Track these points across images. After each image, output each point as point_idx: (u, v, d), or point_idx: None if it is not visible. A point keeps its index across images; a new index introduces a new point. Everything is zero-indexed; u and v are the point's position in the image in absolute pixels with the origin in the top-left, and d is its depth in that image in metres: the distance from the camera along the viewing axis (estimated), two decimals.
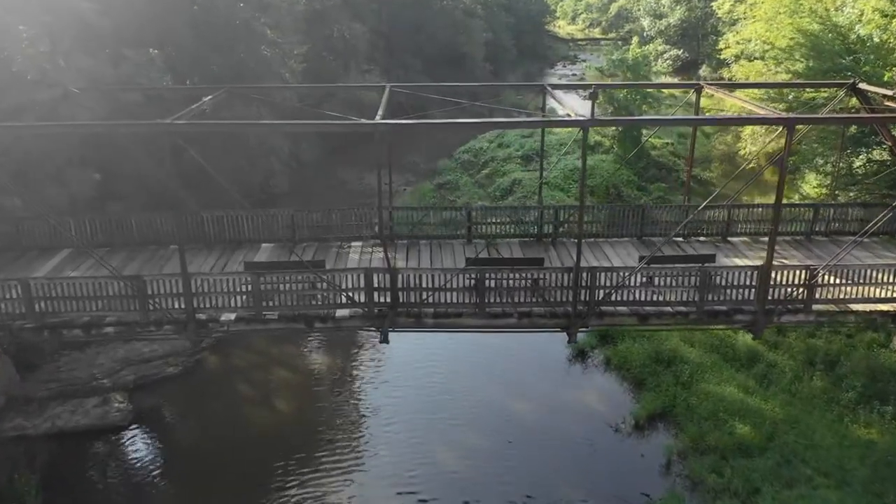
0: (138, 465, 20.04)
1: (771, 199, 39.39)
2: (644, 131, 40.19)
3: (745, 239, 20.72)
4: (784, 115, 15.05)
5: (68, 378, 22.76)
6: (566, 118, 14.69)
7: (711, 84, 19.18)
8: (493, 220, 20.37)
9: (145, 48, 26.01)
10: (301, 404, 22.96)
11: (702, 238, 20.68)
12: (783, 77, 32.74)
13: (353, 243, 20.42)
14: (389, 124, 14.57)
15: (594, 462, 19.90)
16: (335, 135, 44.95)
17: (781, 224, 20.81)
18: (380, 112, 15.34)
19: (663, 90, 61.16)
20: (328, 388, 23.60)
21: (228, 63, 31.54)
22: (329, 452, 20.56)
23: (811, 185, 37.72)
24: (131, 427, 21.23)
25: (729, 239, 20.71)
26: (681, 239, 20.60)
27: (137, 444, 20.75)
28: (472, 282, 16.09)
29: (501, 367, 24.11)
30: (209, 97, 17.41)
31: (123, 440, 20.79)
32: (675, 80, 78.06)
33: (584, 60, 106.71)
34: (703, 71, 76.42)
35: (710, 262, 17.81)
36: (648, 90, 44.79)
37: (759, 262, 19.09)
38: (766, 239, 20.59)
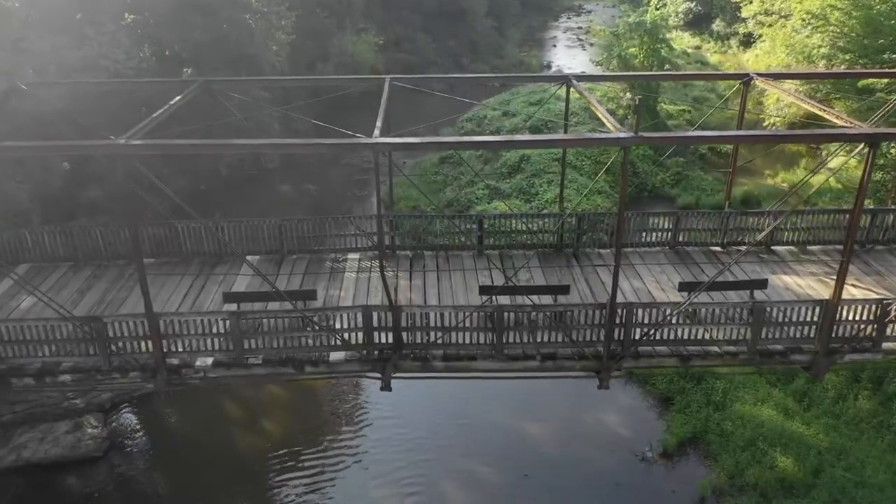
0: (114, 502, 18.10)
1: (797, 176, 37.20)
2: (663, 103, 37.36)
3: (792, 248, 18.32)
4: (866, 128, 12.49)
5: (37, 397, 20.61)
6: (602, 134, 12.17)
7: (762, 75, 16.55)
8: (507, 229, 17.91)
9: (114, 22, 23.04)
10: (295, 423, 20.96)
11: (742, 248, 18.26)
12: (821, 49, 29.72)
13: (350, 255, 18.04)
14: (389, 143, 12.06)
15: (619, 498, 17.96)
16: (331, 101, 42.14)
17: (829, 231, 18.46)
18: (378, 123, 12.78)
19: (677, 45, 57.89)
20: (326, 407, 21.60)
21: (212, 35, 28.58)
22: (325, 480, 18.72)
23: (839, 162, 35.15)
24: (106, 456, 19.27)
25: (773, 248, 18.31)
26: (719, 249, 18.21)
27: (113, 478, 18.80)
28: (488, 316, 13.79)
29: (513, 382, 21.97)
30: (179, 97, 14.70)
31: (97, 473, 18.82)
32: (686, 34, 74.63)
33: (590, 11, 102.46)
34: (717, 25, 72.80)
35: (761, 288, 15.50)
36: (665, 54, 41.80)
37: (811, 280, 16.90)
38: (816, 248, 18.39)
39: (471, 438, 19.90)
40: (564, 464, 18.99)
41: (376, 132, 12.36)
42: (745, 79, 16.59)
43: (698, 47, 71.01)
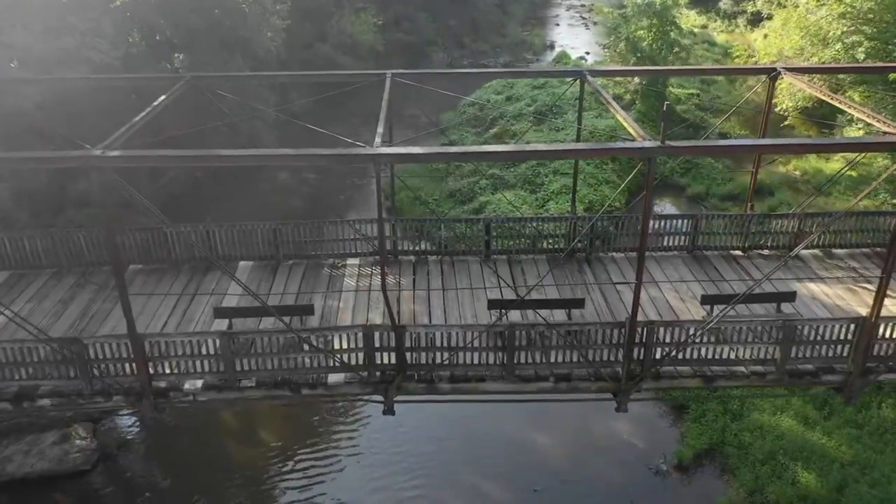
0: None
1: (808, 163, 36.02)
2: (671, 87, 36.09)
3: (817, 252, 17.31)
4: None
5: None
6: (626, 143, 11.10)
7: (790, 69, 15.42)
8: (517, 233, 16.87)
9: (101, 7, 21.69)
10: (293, 431, 20.07)
11: (765, 252, 17.27)
12: (841, 33, 28.39)
13: (350, 260, 17.02)
14: (392, 155, 11.01)
15: None
16: (329, 84, 40.69)
17: (855, 234, 17.45)
18: (379, 129, 11.71)
19: (684, 24, 56.26)
20: (325, 413, 20.67)
21: (204, 19, 27.27)
22: (324, 493, 17.86)
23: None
24: (95, 470, 18.39)
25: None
26: (740, 253, 17.21)
27: (102, 493, 17.93)
28: (499, 334, 12.82)
29: None
30: (164, 97, 13.60)
31: (86, 488, 17.95)
32: (692, 12, 72.79)
33: None
34: (724, 3, 71.04)
35: (789, 300, 14.53)
36: (674, 36, 40.44)
37: (839, 289, 15.92)
38: (842, 252, 17.40)
39: (476, 450, 19.05)
40: (575, 477, 18.16)
41: (377, 140, 11.28)
42: (773, 74, 15.46)
43: (705, 26, 69.37)
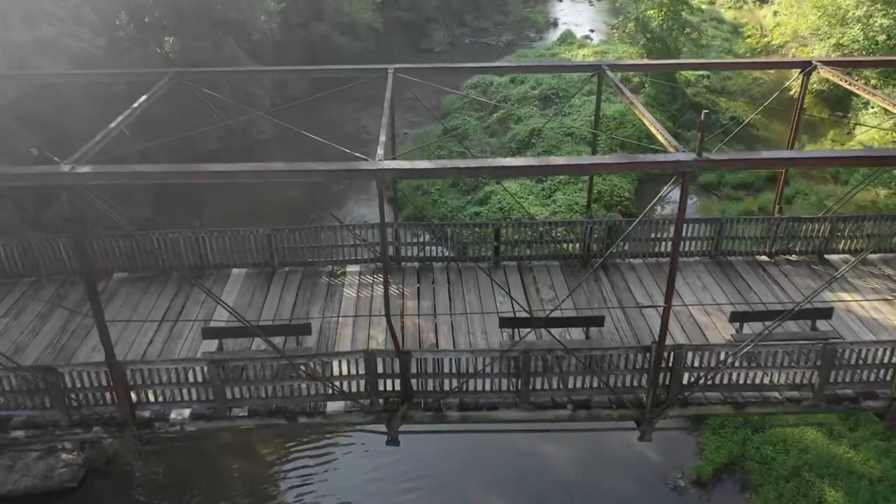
0: None
1: (824, 148, 34.72)
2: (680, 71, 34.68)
3: (848, 257, 16.23)
4: None
5: None
6: (661, 156, 9.93)
7: (826, 63, 14.22)
8: (528, 238, 15.75)
9: None
10: (296, 444, 19.05)
11: (793, 257, 16.20)
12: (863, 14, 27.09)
13: (350, 267, 15.94)
14: (396, 170, 9.85)
15: None
16: (326, 60, 39.28)
17: (889, 238, 16.39)
18: (382, 137, 10.55)
19: (693, 4, 54.71)
20: (328, 430, 19.64)
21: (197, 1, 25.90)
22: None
23: (870, 136, 32.83)
24: (82, 487, 17.43)
25: (826, 257, 16.25)
26: (766, 259, 16.14)
27: None
28: (512, 360, 11.76)
29: None
30: (145, 96, 12.41)
31: None
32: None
33: None
34: None
35: (825, 318, 13.46)
36: (685, 15, 38.96)
37: (874, 298, 14.86)
38: (875, 256, 16.33)
39: (482, 461, 18.08)
40: (587, 492, 17.24)
41: (380, 151, 10.11)
42: (808, 68, 14.28)
43: (712, 2, 67.55)
